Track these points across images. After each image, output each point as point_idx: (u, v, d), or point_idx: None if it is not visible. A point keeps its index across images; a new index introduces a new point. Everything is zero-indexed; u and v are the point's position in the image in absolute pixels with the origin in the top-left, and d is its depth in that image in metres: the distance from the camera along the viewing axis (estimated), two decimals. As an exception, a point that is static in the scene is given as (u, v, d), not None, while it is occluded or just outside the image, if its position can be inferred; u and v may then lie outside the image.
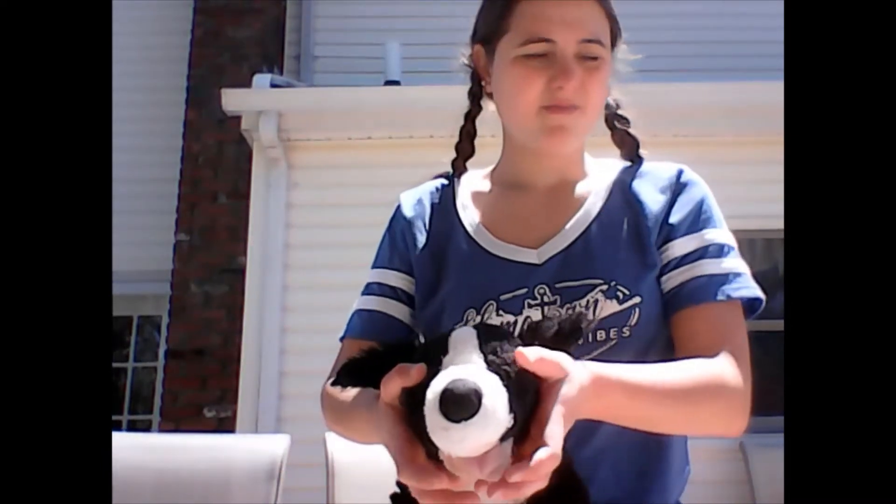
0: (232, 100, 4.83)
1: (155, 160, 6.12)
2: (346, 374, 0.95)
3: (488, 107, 1.26)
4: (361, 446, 1.83)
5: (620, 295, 1.10)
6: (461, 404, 0.74)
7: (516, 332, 0.95)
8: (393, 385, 0.85)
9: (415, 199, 1.29)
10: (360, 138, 4.81)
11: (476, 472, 0.78)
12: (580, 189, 1.21)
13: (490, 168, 1.30)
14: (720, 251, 1.12)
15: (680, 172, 1.20)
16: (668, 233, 1.15)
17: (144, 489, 1.69)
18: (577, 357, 0.89)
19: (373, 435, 0.95)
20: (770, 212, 3.62)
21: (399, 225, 1.27)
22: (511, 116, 1.18)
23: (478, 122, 1.30)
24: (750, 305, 1.11)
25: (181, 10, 6.34)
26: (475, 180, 1.28)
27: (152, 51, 6.41)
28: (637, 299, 1.10)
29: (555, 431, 0.80)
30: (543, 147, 1.16)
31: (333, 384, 0.97)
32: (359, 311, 1.25)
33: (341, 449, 1.80)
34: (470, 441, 0.76)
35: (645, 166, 1.23)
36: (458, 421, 0.74)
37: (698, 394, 0.98)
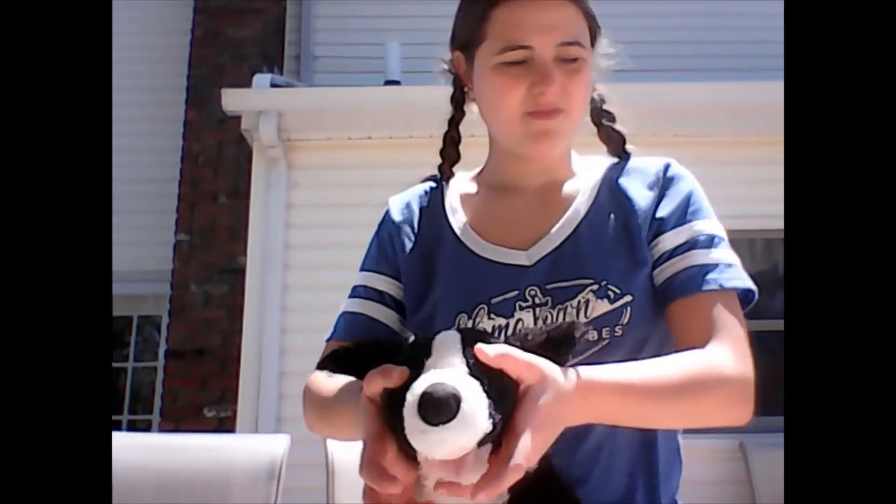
0: (232, 100, 4.83)
1: (155, 160, 6.12)
2: (334, 360, 0.95)
3: (472, 109, 1.25)
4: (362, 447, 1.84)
5: (612, 294, 1.10)
6: (439, 408, 0.75)
7: (502, 337, 0.94)
8: (375, 384, 0.86)
9: (403, 203, 1.29)
10: (360, 138, 4.81)
11: (453, 476, 0.79)
12: (568, 189, 1.21)
13: (477, 170, 1.29)
14: (710, 242, 1.12)
15: (667, 167, 1.20)
16: (658, 227, 1.14)
17: (144, 489, 1.69)
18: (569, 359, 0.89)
19: (355, 430, 0.96)
20: (770, 212, 3.63)
21: (387, 229, 1.27)
22: (495, 123, 1.18)
23: (463, 123, 1.29)
24: (743, 297, 1.10)
25: (181, 9, 6.34)
26: (463, 183, 1.28)
27: (152, 51, 6.42)
28: (628, 298, 1.10)
29: (523, 444, 0.79)
30: (530, 152, 1.16)
31: (319, 367, 0.98)
32: (344, 314, 1.25)
33: (341, 449, 1.80)
34: (447, 445, 0.76)
35: (632, 162, 1.23)
36: (436, 424, 0.75)
37: (694, 386, 0.97)
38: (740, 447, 4.31)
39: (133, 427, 6.09)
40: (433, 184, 1.31)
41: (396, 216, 1.27)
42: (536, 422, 0.82)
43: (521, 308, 1.11)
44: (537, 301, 1.11)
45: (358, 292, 1.26)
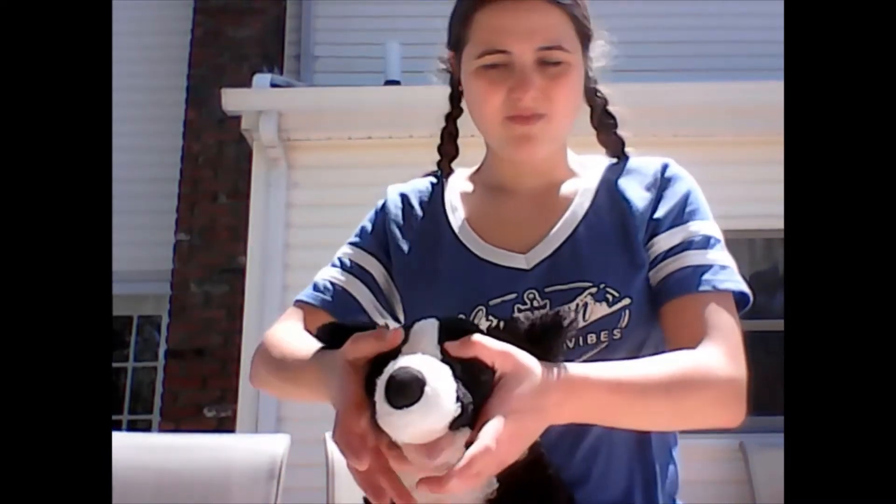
0: (232, 100, 4.83)
1: (155, 160, 6.12)
2: (328, 334, 0.96)
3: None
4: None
5: (610, 297, 1.10)
6: (402, 391, 0.76)
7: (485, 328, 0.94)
8: (366, 345, 0.86)
9: (404, 195, 1.28)
10: (360, 138, 4.81)
11: (426, 461, 0.79)
12: (566, 190, 1.20)
13: (475, 168, 1.29)
14: (706, 243, 1.12)
15: (665, 167, 1.20)
16: (654, 228, 1.14)
17: (144, 489, 1.69)
18: (567, 360, 0.89)
19: (320, 391, 0.96)
20: (770, 212, 3.63)
21: (384, 216, 1.27)
22: (479, 126, 1.18)
23: (464, 122, 1.29)
24: (738, 300, 1.10)
25: (181, 9, 6.34)
26: (462, 181, 1.28)
27: (152, 51, 6.41)
28: (627, 301, 1.10)
29: (490, 428, 0.79)
30: (512, 156, 1.16)
31: (315, 336, 0.98)
32: (324, 282, 1.24)
33: (341, 449, 1.80)
34: (412, 428, 0.77)
35: (630, 163, 1.22)
36: (400, 407, 0.76)
37: (683, 385, 0.96)
38: (740, 447, 4.31)
39: (133, 427, 6.09)
40: (433, 179, 1.30)
41: (396, 207, 1.27)
42: (508, 408, 0.81)
43: (520, 311, 1.11)
44: (535, 304, 1.11)
45: (343, 264, 1.25)
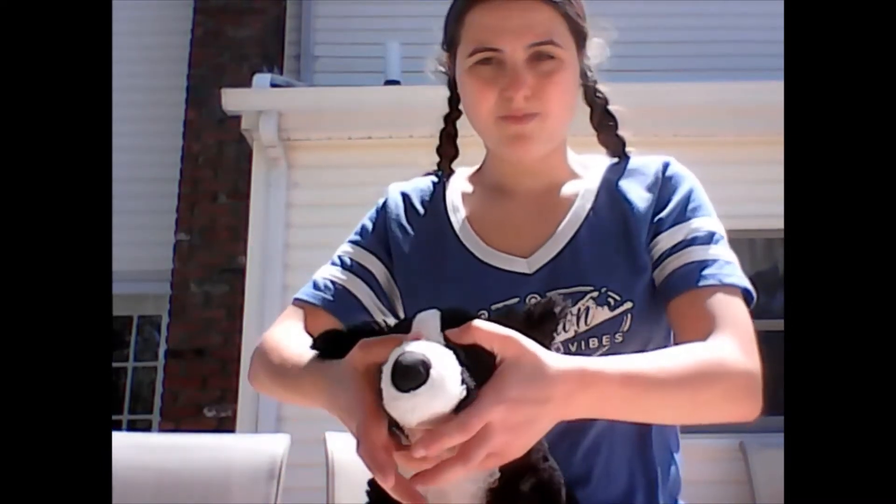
0: (232, 99, 4.83)
1: (155, 160, 6.12)
2: (326, 341, 0.96)
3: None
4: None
5: (612, 301, 1.10)
6: (408, 374, 0.76)
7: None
8: (378, 350, 0.84)
9: (405, 194, 1.28)
10: (360, 138, 4.81)
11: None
12: (567, 191, 1.20)
13: (476, 167, 1.29)
14: (709, 238, 1.11)
15: (666, 166, 1.19)
16: (657, 227, 1.14)
17: (144, 489, 1.69)
18: None
19: (319, 400, 0.96)
20: (770, 212, 3.63)
21: (385, 215, 1.26)
22: (474, 125, 1.17)
23: (465, 123, 1.29)
24: (743, 297, 1.09)
25: (181, 9, 6.34)
26: (463, 181, 1.28)
27: (152, 51, 6.41)
28: (629, 304, 1.10)
29: (472, 407, 0.78)
30: (507, 156, 1.16)
31: (313, 346, 0.97)
32: (324, 280, 1.22)
33: (341, 448, 1.80)
34: (419, 411, 0.77)
35: (631, 163, 1.22)
36: (406, 390, 0.76)
37: (696, 378, 0.93)
38: (740, 447, 4.31)
39: (133, 427, 6.09)
40: (435, 178, 1.30)
41: (397, 207, 1.26)
42: (506, 395, 0.79)
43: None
44: None
45: (344, 263, 1.24)
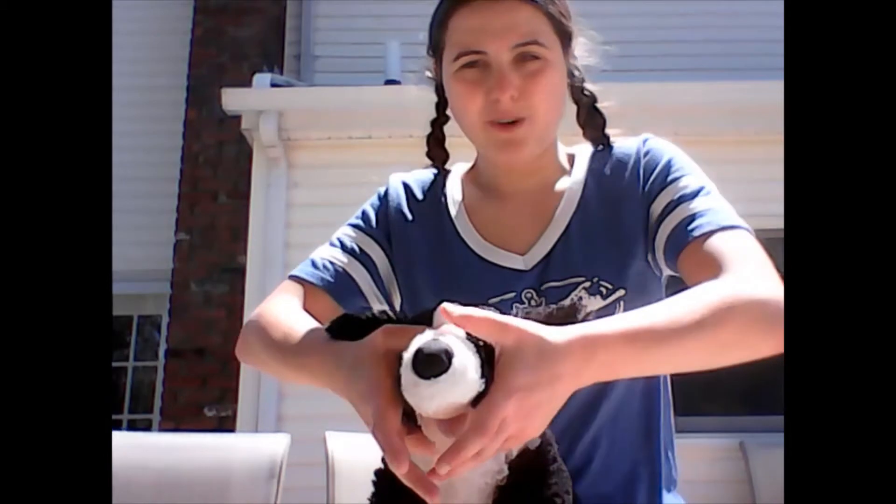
0: (232, 99, 4.83)
1: (155, 159, 6.12)
2: (342, 326, 0.95)
3: None
4: (362, 446, 1.84)
5: (604, 290, 1.10)
6: (431, 362, 0.77)
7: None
8: (401, 338, 0.83)
9: (407, 185, 1.28)
10: (360, 137, 4.81)
11: (447, 437, 0.79)
12: (558, 188, 1.21)
13: (471, 165, 1.30)
14: (697, 193, 1.11)
15: (644, 141, 1.20)
16: (647, 199, 1.15)
17: (145, 489, 1.69)
18: None
19: (325, 379, 0.94)
20: (771, 211, 3.62)
21: (386, 204, 1.26)
22: (463, 130, 1.18)
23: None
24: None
25: (181, 9, 6.34)
26: (460, 178, 1.28)
27: (152, 50, 6.41)
28: (621, 293, 1.10)
29: (485, 409, 0.77)
30: (497, 160, 1.17)
31: (328, 330, 0.96)
32: (323, 260, 1.22)
33: (341, 448, 1.80)
34: (438, 398, 0.77)
35: (614, 149, 1.22)
36: (427, 378, 0.77)
37: (710, 318, 0.88)
38: (740, 447, 4.31)
39: (133, 426, 6.08)
40: (435, 171, 1.30)
41: (398, 196, 1.26)
42: (514, 385, 0.78)
43: (518, 309, 1.12)
44: (533, 302, 1.12)
45: (344, 245, 1.23)
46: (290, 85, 5.22)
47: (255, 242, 4.76)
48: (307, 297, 1.18)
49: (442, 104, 1.26)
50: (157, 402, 5.64)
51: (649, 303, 1.12)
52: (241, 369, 4.59)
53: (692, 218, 1.08)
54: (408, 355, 0.79)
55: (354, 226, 1.26)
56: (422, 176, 1.30)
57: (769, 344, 0.91)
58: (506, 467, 0.87)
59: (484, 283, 1.14)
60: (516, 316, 0.86)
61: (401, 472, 0.79)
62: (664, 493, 1.14)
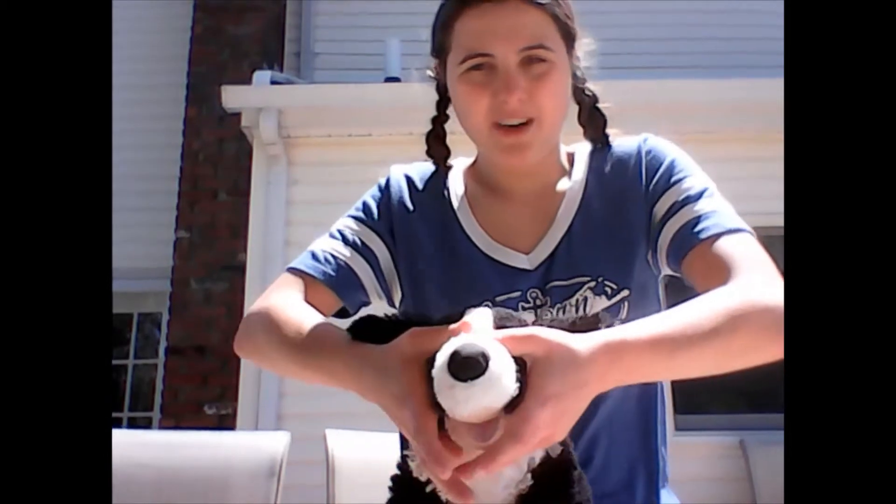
0: (232, 97, 4.83)
1: (155, 157, 6.12)
2: (366, 327, 0.95)
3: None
4: (362, 444, 1.84)
5: (609, 290, 1.11)
6: (468, 364, 0.76)
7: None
8: (432, 340, 0.83)
9: (409, 178, 1.27)
10: (360, 135, 4.80)
11: (478, 442, 0.79)
12: (560, 186, 1.21)
13: (472, 161, 1.29)
14: (700, 194, 1.12)
15: (644, 141, 1.20)
16: (651, 200, 1.15)
17: (145, 486, 1.69)
18: None
19: (350, 382, 0.93)
20: (771, 209, 3.62)
21: (388, 196, 1.25)
22: (468, 132, 1.17)
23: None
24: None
25: (181, 7, 6.34)
26: (463, 173, 1.28)
27: (152, 48, 6.41)
28: (625, 293, 1.11)
29: (518, 416, 0.78)
30: (502, 163, 1.16)
31: (349, 330, 0.95)
32: (325, 253, 1.20)
33: (341, 446, 1.81)
34: (473, 401, 0.77)
35: (613, 148, 1.22)
36: (464, 380, 0.76)
37: (726, 325, 0.90)
38: (740, 444, 4.31)
39: (133, 424, 6.08)
40: (435, 165, 1.29)
41: (400, 188, 1.25)
42: (548, 393, 0.79)
43: (524, 308, 1.12)
44: (538, 302, 1.12)
45: (346, 238, 1.22)
46: (290, 82, 5.21)
47: (255, 240, 4.76)
48: (308, 290, 1.17)
49: (443, 102, 1.26)
50: (158, 400, 5.65)
51: (651, 302, 1.13)
52: (242, 367, 4.59)
53: (697, 220, 1.08)
54: (442, 357, 0.79)
55: (356, 218, 1.25)
56: (423, 168, 1.29)
57: (779, 349, 0.92)
58: (528, 476, 0.86)
59: (490, 281, 1.14)
60: (538, 321, 0.88)
61: (444, 476, 0.79)
62: (660, 489, 1.14)
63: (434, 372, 0.79)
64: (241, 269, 4.95)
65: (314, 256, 1.20)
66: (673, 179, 1.14)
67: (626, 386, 1.11)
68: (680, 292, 1.13)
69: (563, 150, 1.25)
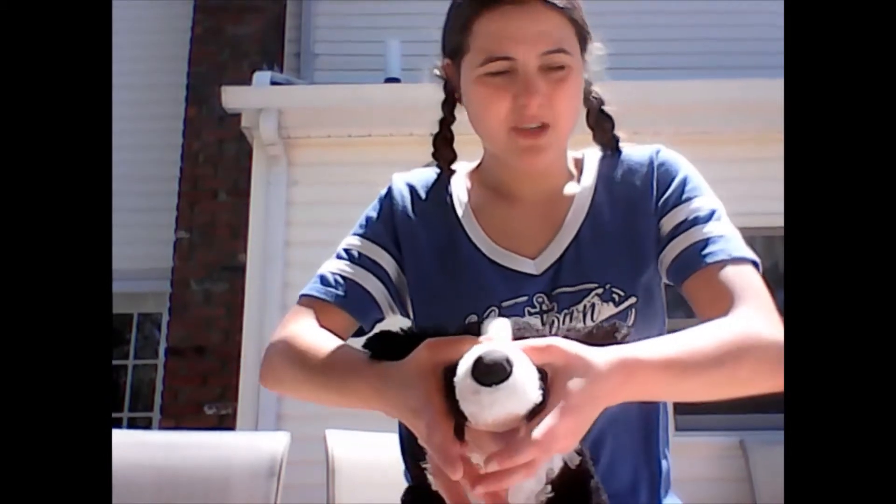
0: (232, 97, 4.83)
1: (155, 158, 6.12)
2: (380, 343, 0.95)
3: (462, 111, 1.22)
4: (362, 444, 1.84)
5: (616, 297, 1.10)
6: (493, 369, 0.77)
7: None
8: (450, 350, 0.84)
9: (411, 186, 1.26)
10: (360, 136, 4.81)
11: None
12: (567, 192, 1.20)
13: (475, 164, 1.28)
14: (710, 216, 1.12)
15: (657, 152, 1.20)
16: (660, 213, 1.15)
17: (145, 487, 1.69)
18: None
19: (373, 401, 0.95)
20: (771, 209, 3.63)
21: (391, 206, 1.24)
22: (483, 135, 1.16)
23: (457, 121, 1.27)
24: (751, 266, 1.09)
25: (181, 7, 6.34)
26: (465, 178, 1.27)
27: (152, 48, 6.42)
28: (633, 300, 1.10)
29: (545, 422, 0.79)
30: (517, 166, 1.15)
31: (365, 347, 0.97)
32: (333, 275, 1.20)
33: (341, 446, 1.80)
34: (498, 406, 0.78)
35: (623, 155, 1.22)
36: (489, 385, 0.77)
37: (732, 355, 0.95)
38: (740, 445, 4.32)
39: (133, 425, 6.09)
40: (437, 170, 1.28)
41: (403, 197, 1.24)
42: (567, 404, 0.81)
43: (530, 314, 1.11)
44: (544, 307, 1.12)
45: (351, 256, 1.21)
46: (290, 83, 5.22)
47: (255, 240, 4.76)
48: (322, 314, 1.16)
49: (449, 103, 1.24)
50: (158, 401, 5.65)
51: (656, 309, 1.13)
52: (241, 367, 4.59)
53: (706, 243, 1.09)
54: (466, 364, 0.79)
55: (359, 234, 1.23)
56: (424, 175, 1.27)
57: (779, 382, 0.95)
58: (548, 487, 0.87)
59: (495, 287, 1.13)
60: (549, 328, 0.90)
61: (455, 478, 0.80)
62: (662, 493, 1.14)
63: (457, 379, 0.80)
64: (241, 270, 4.95)
65: (323, 280, 1.19)
66: (684, 197, 1.15)
67: None
68: (679, 294, 1.14)
69: (570, 154, 1.24)
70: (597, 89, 1.23)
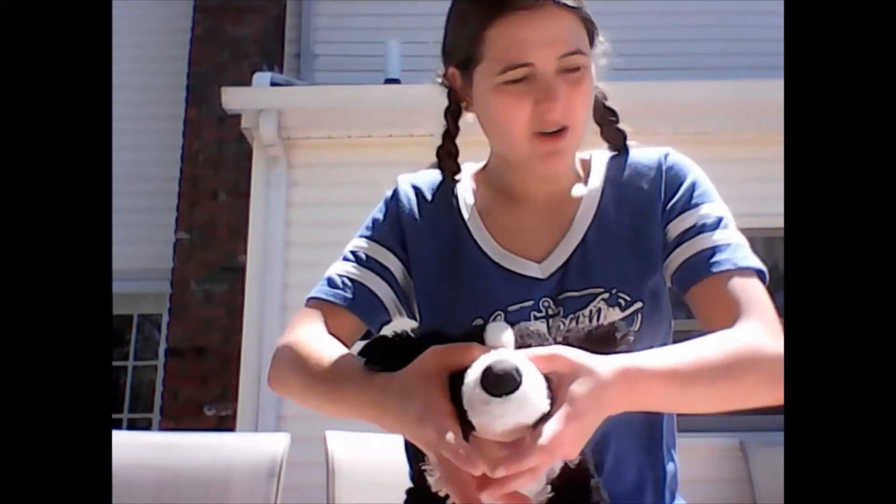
0: (232, 98, 4.83)
1: (155, 158, 6.12)
2: (378, 350, 0.95)
3: (466, 116, 1.21)
4: (362, 445, 1.84)
5: (622, 302, 1.10)
6: (503, 380, 0.77)
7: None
8: (456, 357, 0.84)
9: (417, 188, 1.25)
10: (360, 136, 4.81)
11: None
12: (574, 194, 1.19)
13: (480, 166, 1.27)
14: (717, 224, 1.12)
15: (665, 156, 1.19)
16: (666, 217, 1.15)
17: (144, 488, 1.69)
18: None
19: (369, 412, 0.94)
20: (771, 210, 3.63)
21: (397, 208, 1.23)
22: (501, 143, 1.15)
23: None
24: (757, 277, 1.09)
25: (181, 8, 6.34)
26: (470, 180, 1.26)
27: (152, 49, 6.42)
28: (639, 304, 1.10)
29: (549, 428, 0.79)
30: (537, 171, 1.14)
31: (361, 354, 0.96)
32: (340, 277, 1.19)
33: (341, 447, 1.80)
34: (508, 416, 0.78)
35: (632, 157, 1.21)
36: (498, 395, 0.77)
37: (734, 367, 0.95)
38: (741, 446, 4.31)
39: (133, 426, 6.09)
40: (442, 174, 1.26)
41: (409, 199, 1.23)
42: (571, 411, 0.81)
43: (536, 318, 1.11)
44: (550, 312, 1.11)
45: (360, 259, 1.20)
46: (289, 84, 5.22)
47: (254, 241, 4.76)
48: (329, 318, 1.15)
49: (454, 112, 1.21)
50: (157, 401, 5.65)
51: (662, 314, 1.13)
52: (241, 368, 4.59)
53: (713, 251, 1.09)
54: (474, 373, 0.79)
55: (366, 237, 1.22)
56: (430, 177, 1.26)
57: (779, 396, 0.95)
58: (548, 487, 0.87)
59: (501, 291, 1.13)
60: (555, 332, 0.90)
61: (478, 472, 0.79)
62: (668, 495, 1.14)
63: (465, 389, 0.80)
64: (240, 271, 4.96)
65: (331, 282, 1.19)
66: (692, 202, 1.14)
67: None
68: (680, 298, 1.14)
69: (577, 155, 1.24)
70: (599, 84, 1.23)
